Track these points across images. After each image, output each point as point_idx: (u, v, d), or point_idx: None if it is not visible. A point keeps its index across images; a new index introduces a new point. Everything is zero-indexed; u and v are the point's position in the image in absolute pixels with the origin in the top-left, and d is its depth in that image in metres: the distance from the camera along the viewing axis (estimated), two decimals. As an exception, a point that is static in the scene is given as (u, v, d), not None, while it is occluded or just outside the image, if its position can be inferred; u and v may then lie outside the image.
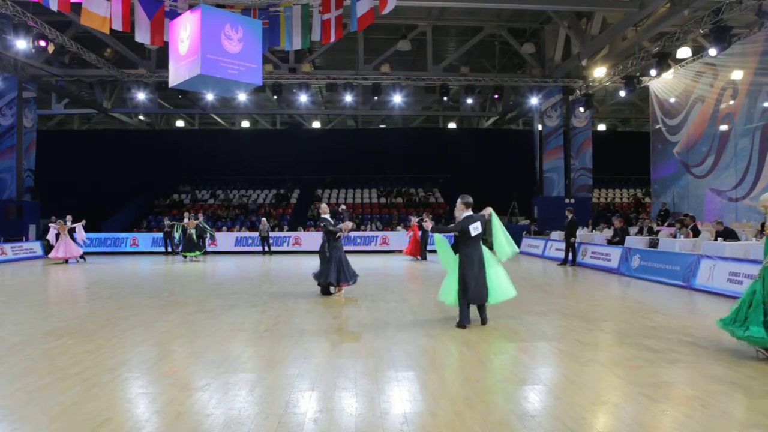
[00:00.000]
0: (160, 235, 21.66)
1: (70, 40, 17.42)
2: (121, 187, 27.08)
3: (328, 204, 27.18)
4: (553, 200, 22.43)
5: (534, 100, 22.85)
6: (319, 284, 9.69)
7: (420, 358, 5.45)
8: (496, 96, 22.98)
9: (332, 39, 11.28)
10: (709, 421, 3.74)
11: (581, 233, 16.58)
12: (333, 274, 9.24)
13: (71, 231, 17.51)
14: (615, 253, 13.95)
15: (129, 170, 27.92)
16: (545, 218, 21.83)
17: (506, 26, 21.23)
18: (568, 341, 6.16)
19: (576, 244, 15.51)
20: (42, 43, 15.94)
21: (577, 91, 21.96)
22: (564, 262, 15.61)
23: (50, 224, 17.80)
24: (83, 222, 17.92)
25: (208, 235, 19.27)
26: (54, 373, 4.89)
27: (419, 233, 17.87)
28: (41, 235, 20.94)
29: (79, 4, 10.40)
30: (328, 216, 9.51)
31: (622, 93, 20.39)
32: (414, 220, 18.84)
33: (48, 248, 18.39)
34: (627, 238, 14.35)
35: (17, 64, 19.56)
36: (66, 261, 17.43)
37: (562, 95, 22.47)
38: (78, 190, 25.77)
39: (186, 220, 18.83)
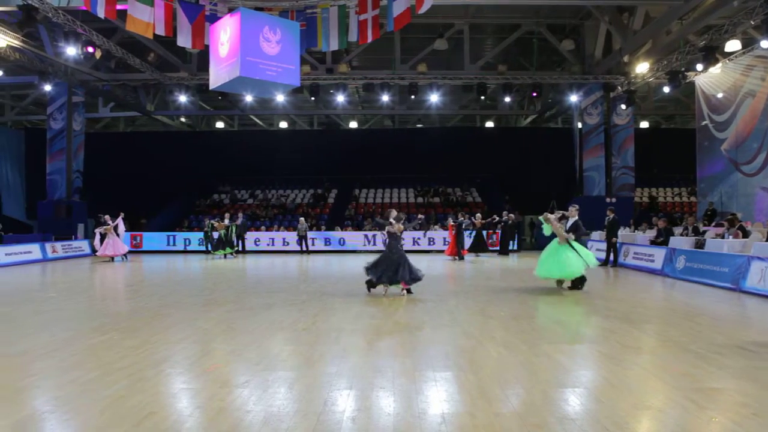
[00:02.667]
0: (201, 234, 22.20)
1: (115, 45, 18.00)
2: (164, 187, 27.78)
3: (365, 204, 27.48)
4: (593, 199, 21.90)
5: (573, 98, 22.34)
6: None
7: (458, 358, 5.41)
8: (534, 94, 22.59)
9: (369, 39, 11.34)
10: (763, 431, 3.59)
11: (623, 233, 16.15)
12: (371, 272, 9.57)
13: (115, 228, 18.12)
14: (658, 254, 13.53)
15: (171, 171, 28.59)
16: (585, 218, 21.31)
17: (545, 23, 20.83)
18: (609, 343, 6.01)
19: (617, 245, 15.10)
20: (90, 49, 16.52)
21: (619, 88, 21.37)
22: (605, 262, 15.24)
23: (96, 230, 18.51)
24: (122, 215, 18.47)
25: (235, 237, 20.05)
26: (101, 367, 5.06)
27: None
28: (89, 234, 21.74)
29: (125, 11, 10.78)
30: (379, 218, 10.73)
31: (666, 89, 19.72)
32: (450, 220, 18.75)
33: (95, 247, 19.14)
34: (671, 238, 13.91)
35: (67, 70, 20.35)
36: (112, 259, 18.05)
37: (602, 92, 21.91)
38: (123, 190, 26.57)
39: (225, 221, 19.63)
